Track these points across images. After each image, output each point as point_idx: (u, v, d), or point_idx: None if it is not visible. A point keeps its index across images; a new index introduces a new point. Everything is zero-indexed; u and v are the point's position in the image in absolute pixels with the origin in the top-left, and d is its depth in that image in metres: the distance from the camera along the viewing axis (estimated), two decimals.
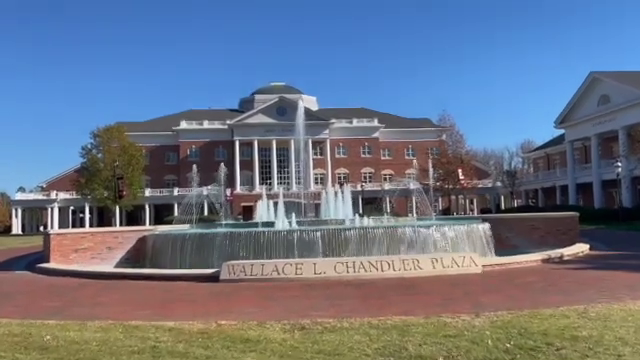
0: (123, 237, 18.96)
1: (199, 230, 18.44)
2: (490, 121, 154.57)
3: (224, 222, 26.49)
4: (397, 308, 8.23)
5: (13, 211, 68.11)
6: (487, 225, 18.38)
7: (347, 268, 12.09)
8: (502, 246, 18.51)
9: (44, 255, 18.26)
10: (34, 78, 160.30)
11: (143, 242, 18.80)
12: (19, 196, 69.35)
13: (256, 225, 20.93)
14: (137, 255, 18.64)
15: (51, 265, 16.23)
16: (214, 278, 12.34)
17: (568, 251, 15.95)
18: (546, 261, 14.38)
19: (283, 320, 7.42)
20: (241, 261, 12.75)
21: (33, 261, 19.02)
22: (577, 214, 19.53)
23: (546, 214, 21.47)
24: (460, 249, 16.68)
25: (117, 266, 17.95)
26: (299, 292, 10.31)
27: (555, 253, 15.18)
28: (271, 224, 20.40)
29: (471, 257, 12.85)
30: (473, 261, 12.71)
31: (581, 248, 17.12)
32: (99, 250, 18.27)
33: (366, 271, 12.06)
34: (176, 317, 7.97)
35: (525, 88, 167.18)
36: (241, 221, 42.54)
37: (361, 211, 44.19)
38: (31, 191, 77.66)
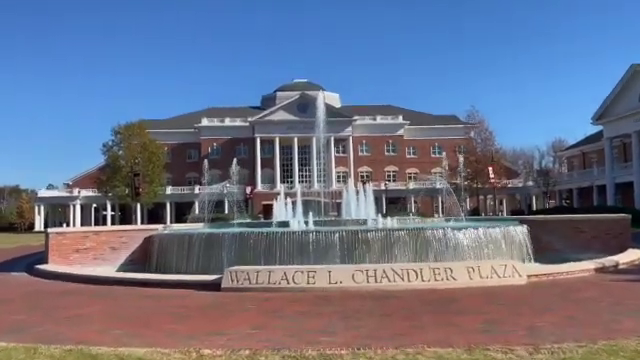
0: (128, 237, 17.65)
1: (207, 230, 17.00)
2: (519, 120, 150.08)
3: (238, 221, 25.06)
4: (429, 334, 6.51)
5: (36, 208, 68.45)
6: (525, 228, 16.49)
7: (367, 277, 10.39)
8: (542, 251, 16.56)
9: (43, 256, 17.11)
10: (67, 76, 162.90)
11: (149, 242, 17.46)
12: (42, 193, 69.74)
13: (270, 225, 19.43)
14: (143, 256, 17.31)
15: (45, 267, 15.02)
16: (216, 286, 10.82)
17: (624, 258, 13.91)
18: (600, 270, 12.40)
19: (283, 350, 5.80)
20: (245, 267, 11.18)
21: (35, 261, 17.89)
22: (629, 216, 17.35)
23: (593, 216, 19.28)
24: (496, 255, 14.85)
25: (121, 268, 16.75)
26: (310, 306, 8.67)
27: (609, 261, 13.18)
28: (286, 224, 18.86)
29: (514, 266, 10.99)
30: (516, 270, 10.85)
31: (636, 254, 15.02)
32: (102, 250, 17.00)
33: (390, 281, 10.35)
34: (155, 339, 6.45)
35: (556, 86, 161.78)
36: (262, 220, 41.23)
37: (384, 211, 42.38)
38: (56, 188, 78.27)
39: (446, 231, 14.29)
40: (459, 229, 14.59)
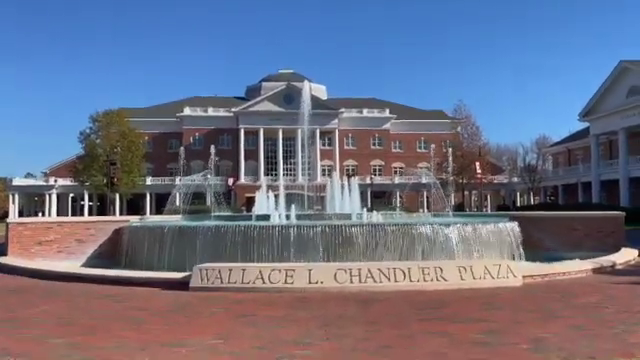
0: (96, 229, 16.47)
1: (180, 223, 15.92)
2: (501, 116, 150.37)
3: (217, 213, 24.01)
4: (421, 347, 5.63)
5: (10, 197, 66.21)
6: (516, 224, 15.78)
7: (351, 277, 9.48)
8: (532, 249, 15.85)
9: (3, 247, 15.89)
10: (46, 64, 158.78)
11: (119, 235, 16.33)
12: (16, 181, 67.36)
13: (250, 218, 18.42)
14: (112, 250, 16.15)
15: (0, 260, 13.82)
16: (184, 285, 9.81)
17: (620, 258, 13.23)
18: (597, 271, 11.69)
19: None
20: (217, 264, 10.18)
21: None
22: (623, 214, 16.74)
23: (586, 213, 18.68)
24: (486, 253, 14.10)
25: (87, 262, 15.62)
26: (286, 310, 7.73)
27: (606, 261, 12.49)
28: (267, 218, 17.87)
29: (508, 265, 10.18)
30: (511, 270, 10.04)
31: (631, 254, 14.41)
32: (67, 243, 15.82)
33: (375, 281, 9.45)
34: (99, 351, 5.48)
35: (539, 83, 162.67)
36: (244, 213, 40.16)
37: (369, 205, 41.55)
38: (34, 177, 75.87)
39: (435, 227, 13.47)
40: (448, 225, 13.79)
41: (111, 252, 16.02)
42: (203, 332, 6.43)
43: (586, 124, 55.88)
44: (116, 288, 10.06)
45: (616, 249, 15.22)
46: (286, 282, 9.40)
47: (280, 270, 9.58)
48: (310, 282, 9.38)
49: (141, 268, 14.12)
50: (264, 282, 9.44)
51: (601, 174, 48.18)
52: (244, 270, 9.65)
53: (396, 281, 9.46)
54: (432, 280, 9.54)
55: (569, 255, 15.72)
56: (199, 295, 9.11)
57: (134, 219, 19.61)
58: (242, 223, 13.94)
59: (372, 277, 9.48)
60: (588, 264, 11.84)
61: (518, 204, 65.45)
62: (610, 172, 47.27)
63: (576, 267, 11.47)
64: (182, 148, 49.31)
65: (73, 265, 14.58)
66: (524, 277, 10.16)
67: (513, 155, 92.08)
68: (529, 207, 50.70)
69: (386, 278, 9.49)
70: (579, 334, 6.15)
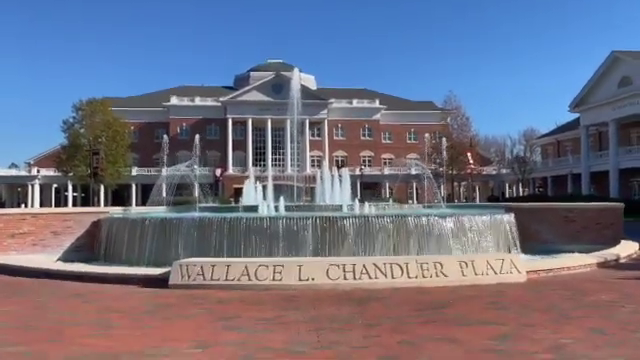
0: (73, 220, 15.56)
1: (162, 215, 15.10)
2: (490, 109, 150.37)
3: (203, 205, 23.19)
4: (429, 356, 4.93)
5: None
6: (512, 216, 15.25)
7: (344, 272, 8.78)
8: (528, 241, 15.36)
9: None
10: (32, 52, 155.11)
11: (98, 227, 15.46)
12: None
13: (237, 210, 17.65)
14: (91, 243, 15.30)
15: None
16: (163, 282, 9.04)
17: (623, 252, 12.71)
18: (602, 265, 11.15)
19: None
20: (198, 259, 9.43)
21: None
22: (622, 205, 16.26)
23: (584, 204, 18.14)
24: (483, 246, 13.55)
25: (64, 256, 14.78)
26: (273, 311, 7.00)
27: (610, 255, 11.95)
28: (254, 209, 17.12)
29: (512, 260, 9.54)
30: (514, 266, 9.41)
31: (632, 247, 13.93)
32: (42, 235, 14.91)
33: (371, 277, 8.76)
34: None
35: (527, 76, 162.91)
36: (232, 204, 39.28)
37: (359, 197, 40.85)
38: (18, 167, 74.01)
39: (431, 219, 12.84)
40: (444, 217, 13.17)
41: (90, 245, 15.19)
42: (180, 338, 5.68)
43: (574, 116, 55.75)
44: (90, 286, 9.27)
45: (615, 242, 14.75)
46: (274, 279, 8.68)
47: (268, 266, 8.84)
48: (300, 279, 8.67)
49: (121, 262, 13.41)
50: (250, 279, 8.70)
51: (591, 165, 48.03)
52: (228, 266, 8.90)
53: (393, 277, 8.78)
54: (431, 276, 8.88)
55: (567, 248, 15.23)
56: (179, 293, 8.35)
57: (117, 210, 18.73)
58: (228, 215, 13.17)
59: (367, 273, 8.79)
60: (592, 258, 11.27)
61: (507, 195, 65.33)
62: (600, 163, 47.13)
63: (581, 261, 10.89)
64: (165, 136, 48.13)
65: (48, 259, 13.75)
66: (528, 272, 9.56)
67: (500, 147, 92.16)
68: (518, 198, 50.48)
69: (382, 274, 8.80)
70: (602, 339, 5.51)
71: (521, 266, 9.49)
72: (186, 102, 71.78)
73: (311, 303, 7.47)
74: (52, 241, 15.01)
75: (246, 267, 8.82)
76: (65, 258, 14.62)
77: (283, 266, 8.84)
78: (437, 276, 8.88)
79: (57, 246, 14.97)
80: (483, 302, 7.48)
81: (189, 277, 8.84)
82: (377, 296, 7.93)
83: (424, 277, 8.84)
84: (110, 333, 5.94)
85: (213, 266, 8.91)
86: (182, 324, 6.37)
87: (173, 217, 14.05)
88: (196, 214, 14.83)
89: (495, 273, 9.17)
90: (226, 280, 8.71)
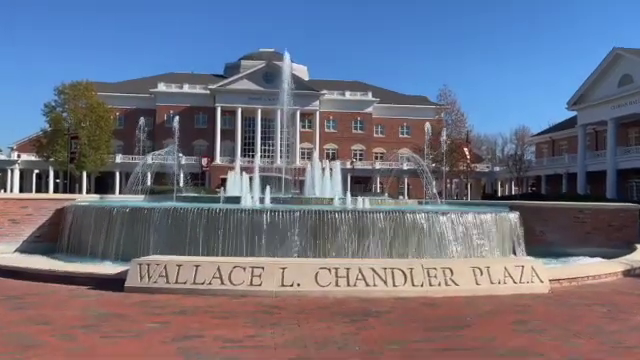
0: (34, 207, 14.03)
1: (132, 204, 13.56)
2: (482, 107, 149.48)
3: (184, 194, 21.64)
4: None
5: None
6: (517, 215, 14.04)
7: (337, 278, 7.33)
8: (533, 243, 14.15)
9: None
10: (18, 35, 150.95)
11: (62, 215, 13.94)
12: None
13: (218, 200, 16.13)
14: (54, 232, 13.83)
15: None
16: (119, 283, 7.52)
17: None
18: (627, 273, 9.80)
19: None
20: (162, 258, 7.90)
21: None
22: (638, 206, 15.00)
23: (598, 204, 16.86)
24: (486, 248, 12.27)
25: (23, 246, 13.41)
26: (245, 328, 5.52)
27: (635, 262, 10.60)
28: (237, 200, 15.62)
29: (533, 267, 8.13)
30: (536, 273, 8.02)
31: None
32: None
33: (368, 284, 7.32)
34: None
35: (520, 75, 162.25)
36: (218, 195, 37.71)
37: (350, 191, 39.49)
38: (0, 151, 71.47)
39: (431, 216, 11.47)
40: (445, 214, 11.81)
41: (53, 235, 13.71)
42: None
43: (569, 115, 54.74)
44: (31, 285, 7.79)
45: (628, 246, 13.54)
46: (252, 283, 7.20)
47: (245, 267, 7.35)
48: (283, 284, 7.20)
49: (86, 256, 12.20)
50: (223, 282, 7.22)
51: (587, 165, 47.02)
52: (197, 266, 7.39)
53: (394, 285, 7.35)
54: (440, 284, 7.46)
55: (575, 251, 14.09)
56: (134, 300, 6.83)
57: (89, 198, 17.20)
58: (205, 206, 11.67)
59: (364, 279, 7.34)
60: (617, 265, 9.94)
61: (499, 194, 64.39)
62: (597, 163, 46.09)
63: (606, 269, 9.53)
64: (142, 119, 46.11)
65: (4, 249, 12.32)
66: (550, 281, 8.18)
67: (492, 145, 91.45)
68: (512, 197, 49.35)
69: (382, 281, 7.36)
70: None
71: (543, 274, 8.11)
72: (174, 89, 69.64)
73: (295, 317, 6.01)
74: (10, 229, 13.57)
75: (218, 268, 7.33)
76: (24, 249, 13.22)
77: (263, 268, 7.35)
78: (447, 284, 7.47)
79: (15, 235, 13.53)
80: (507, 320, 6.07)
81: (149, 279, 7.33)
82: (376, 309, 6.49)
83: (431, 285, 7.43)
84: (31, 355, 4.43)
85: (179, 266, 7.40)
86: (124, 346, 4.86)
87: (144, 206, 12.53)
88: (170, 203, 13.33)
89: (514, 282, 7.78)
90: (194, 284, 7.22)
